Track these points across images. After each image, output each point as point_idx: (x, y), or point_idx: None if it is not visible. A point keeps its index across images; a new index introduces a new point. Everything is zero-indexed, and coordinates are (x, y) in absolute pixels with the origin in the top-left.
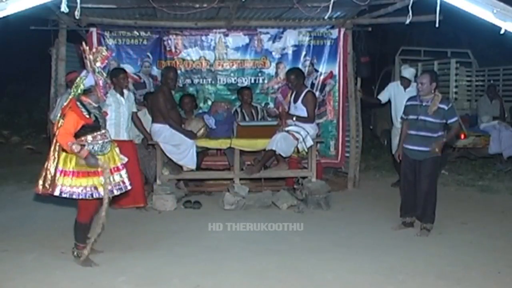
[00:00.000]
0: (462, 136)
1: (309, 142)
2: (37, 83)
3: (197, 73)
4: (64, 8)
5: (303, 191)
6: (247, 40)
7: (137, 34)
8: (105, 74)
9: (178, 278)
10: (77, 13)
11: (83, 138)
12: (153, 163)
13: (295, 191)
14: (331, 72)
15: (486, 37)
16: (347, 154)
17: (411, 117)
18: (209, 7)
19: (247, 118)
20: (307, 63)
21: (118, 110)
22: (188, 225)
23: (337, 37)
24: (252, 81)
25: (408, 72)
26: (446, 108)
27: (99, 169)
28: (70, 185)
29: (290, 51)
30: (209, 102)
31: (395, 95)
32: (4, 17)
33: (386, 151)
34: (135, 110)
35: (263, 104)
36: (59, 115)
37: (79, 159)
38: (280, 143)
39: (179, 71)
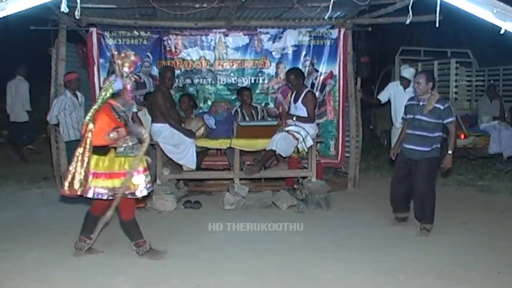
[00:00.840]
0: (462, 136)
1: (309, 142)
2: (37, 83)
3: (197, 73)
4: (64, 8)
5: (303, 191)
6: (247, 40)
7: (137, 34)
8: (133, 79)
9: (178, 278)
10: (77, 13)
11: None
12: (153, 163)
13: (295, 191)
14: (331, 72)
15: (486, 37)
16: (347, 154)
17: (408, 116)
18: (209, 7)
19: (247, 118)
20: (307, 63)
21: None
22: (188, 225)
23: (337, 37)
24: (252, 81)
25: (408, 72)
26: (442, 107)
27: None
28: (101, 186)
29: (290, 51)
30: (209, 102)
31: (395, 95)
32: (4, 17)
33: (386, 151)
34: (135, 110)
35: (263, 104)
36: (88, 118)
37: (127, 142)
38: (280, 143)
39: (179, 71)
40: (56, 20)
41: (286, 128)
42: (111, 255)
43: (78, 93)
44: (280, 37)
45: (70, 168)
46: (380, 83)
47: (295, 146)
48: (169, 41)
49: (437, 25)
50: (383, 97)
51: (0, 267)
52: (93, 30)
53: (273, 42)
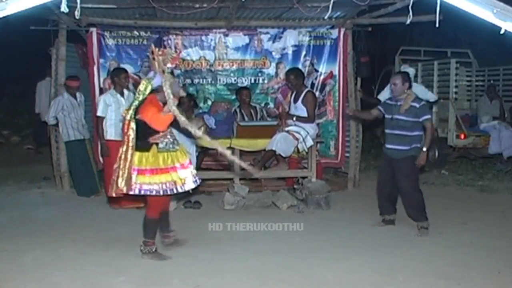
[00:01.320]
0: (462, 136)
1: (309, 142)
2: (37, 83)
3: (197, 73)
4: (64, 8)
5: (303, 191)
6: (247, 40)
7: (137, 34)
8: (171, 76)
9: (178, 278)
10: (77, 13)
11: (156, 136)
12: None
13: (295, 191)
14: (331, 72)
15: (486, 37)
16: (347, 154)
17: (387, 116)
18: (209, 7)
19: (246, 118)
20: (307, 63)
21: (118, 110)
22: (188, 225)
23: (337, 37)
24: (252, 81)
25: (408, 72)
26: (417, 106)
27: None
28: (149, 183)
29: (290, 51)
30: (209, 102)
31: None
32: (4, 17)
33: None
34: None
35: (263, 104)
36: (129, 116)
37: (167, 137)
38: (280, 143)
39: (179, 71)
40: (56, 20)
41: (286, 128)
42: (111, 255)
43: (78, 94)
44: (280, 37)
45: (115, 167)
46: (380, 83)
47: (295, 146)
48: (169, 41)
49: (437, 25)
50: (383, 97)
51: (0, 267)
52: (93, 30)
53: (273, 42)
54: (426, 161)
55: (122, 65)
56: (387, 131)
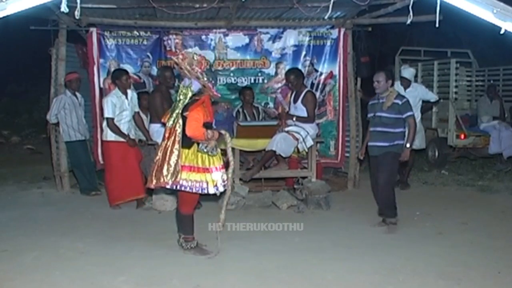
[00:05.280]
0: (462, 136)
1: (309, 142)
2: (37, 83)
3: None
4: (64, 8)
5: (303, 191)
6: (247, 40)
7: (137, 34)
8: (205, 75)
9: (178, 278)
10: (77, 13)
11: None
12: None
13: (295, 191)
14: (331, 72)
15: (486, 37)
16: (347, 154)
17: (370, 114)
18: (209, 7)
19: (248, 118)
20: (307, 63)
21: (120, 111)
22: None
23: (337, 37)
24: (252, 81)
25: (408, 72)
26: (400, 102)
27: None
28: (186, 179)
29: (290, 51)
30: None
31: None
32: (4, 17)
33: None
34: (137, 110)
35: (263, 104)
36: (171, 122)
37: (209, 143)
38: (280, 144)
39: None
40: (56, 20)
41: (286, 129)
42: (111, 255)
43: (78, 94)
44: (280, 37)
45: (155, 160)
46: None
47: (295, 146)
48: (169, 41)
49: (437, 25)
50: None
51: (0, 267)
52: (93, 30)
53: (273, 42)
54: (410, 157)
55: (122, 65)
56: (371, 129)
